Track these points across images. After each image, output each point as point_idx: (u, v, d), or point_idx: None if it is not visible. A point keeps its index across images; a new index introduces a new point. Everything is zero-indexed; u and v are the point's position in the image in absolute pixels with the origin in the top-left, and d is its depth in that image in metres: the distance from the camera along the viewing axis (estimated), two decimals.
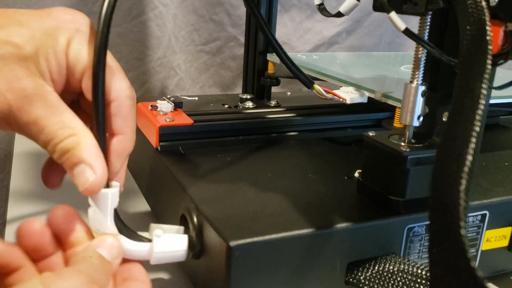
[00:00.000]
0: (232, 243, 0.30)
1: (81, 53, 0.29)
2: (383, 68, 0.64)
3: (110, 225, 0.31)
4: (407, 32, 0.33)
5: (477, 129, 0.20)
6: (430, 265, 0.20)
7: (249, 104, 0.57)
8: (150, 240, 0.32)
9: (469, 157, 0.19)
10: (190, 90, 0.86)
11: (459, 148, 0.19)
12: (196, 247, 0.34)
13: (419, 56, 0.34)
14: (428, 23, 0.34)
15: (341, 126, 0.52)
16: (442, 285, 0.19)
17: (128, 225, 0.32)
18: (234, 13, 0.83)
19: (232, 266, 0.30)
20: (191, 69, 0.86)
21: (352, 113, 0.53)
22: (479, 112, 0.20)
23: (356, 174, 0.39)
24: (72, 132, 0.29)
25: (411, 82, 0.35)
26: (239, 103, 0.59)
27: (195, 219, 0.34)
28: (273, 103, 0.60)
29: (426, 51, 0.34)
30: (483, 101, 0.21)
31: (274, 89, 0.64)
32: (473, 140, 0.19)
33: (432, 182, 0.20)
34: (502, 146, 0.51)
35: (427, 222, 0.36)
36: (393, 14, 0.33)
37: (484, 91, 0.21)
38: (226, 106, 0.58)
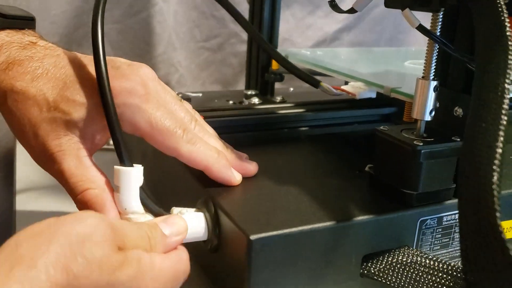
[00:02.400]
0: (253, 237, 0.30)
1: None
2: (387, 64, 0.64)
3: (135, 203, 0.32)
4: (421, 28, 0.34)
5: (504, 122, 0.20)
6: (463, 260, 0.21)
7: (255, 100, 0.57)
8: None
9: (499, 150, 0.19)
10: (191, 87, 0.86)
11: (488, 141, 0.20)
12: (214, 232, 0.34)
13: (431, 51, 0.35)
14: (440, 20, 0.34)
15: (350, 121, 0.52)
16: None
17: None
18: None
19: (253, 260, 0.30)
20: (192, 66, 0.86)
21: (360, 108, 0.53)
22: (505, 106, 0.21)
23: (367, 169, 0.39)
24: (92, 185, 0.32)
25: (424, 77, 0.35)
26: (244, 99, 0.59)
27: (212, 213, 0.34)
28: (278, 98, 0.60)
29: (437, 46, 0.35)
30: (507, 96, 0.21)
31: (275, 86, 0.65)
32: (501, 133, 0.20)
33: (461, 176, 0.20)
34: (507, 140, 0.52)
35: (440, 215, 0.37)
36: (407, 11, 0.33)
37: (508, 86, 0.22)
38: (230, 102, 0.58)
